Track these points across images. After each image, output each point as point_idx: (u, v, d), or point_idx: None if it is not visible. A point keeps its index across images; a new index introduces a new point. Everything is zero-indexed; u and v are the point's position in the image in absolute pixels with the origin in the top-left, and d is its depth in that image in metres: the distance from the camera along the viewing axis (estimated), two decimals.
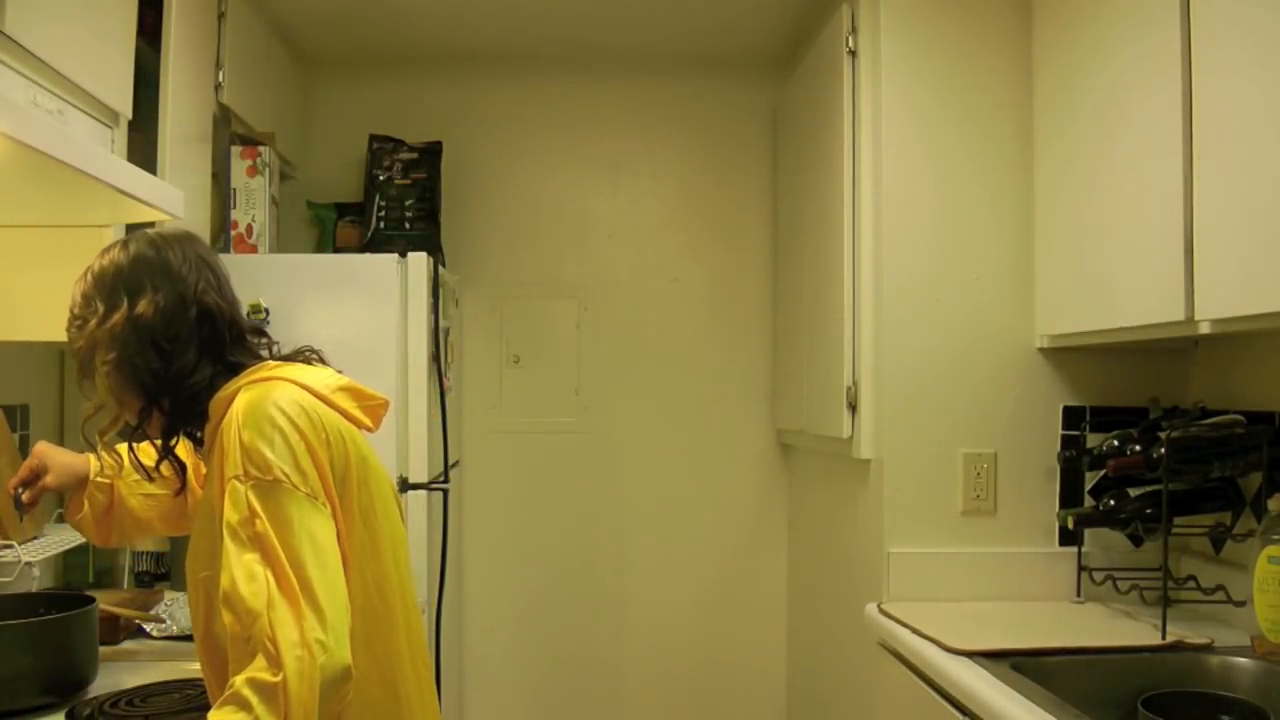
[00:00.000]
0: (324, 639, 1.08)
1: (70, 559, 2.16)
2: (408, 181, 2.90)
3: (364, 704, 1.22)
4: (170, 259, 1.29)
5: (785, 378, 3.07)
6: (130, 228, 1.91)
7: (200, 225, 2.27)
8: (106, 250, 1.32)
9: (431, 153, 2.96)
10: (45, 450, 1.50)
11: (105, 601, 1.76)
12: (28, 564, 1.71)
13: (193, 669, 1.65)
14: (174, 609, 1.99)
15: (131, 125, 1.91)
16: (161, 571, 2.26)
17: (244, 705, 1.04)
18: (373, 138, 2.96)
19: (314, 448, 1.20)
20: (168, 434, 1.31)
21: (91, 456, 1.51)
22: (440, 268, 2.58)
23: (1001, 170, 2.25)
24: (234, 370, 1.29)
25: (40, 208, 1.73)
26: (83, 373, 1.29)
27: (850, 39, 2.36)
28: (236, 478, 1.15)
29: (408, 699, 1.29)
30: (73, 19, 1.65)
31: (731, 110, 3.26)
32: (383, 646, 1.27)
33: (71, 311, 1.29)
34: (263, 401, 1.20)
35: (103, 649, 1.64)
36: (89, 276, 1.29)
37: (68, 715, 1.44)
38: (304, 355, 1.37)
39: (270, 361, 1.32)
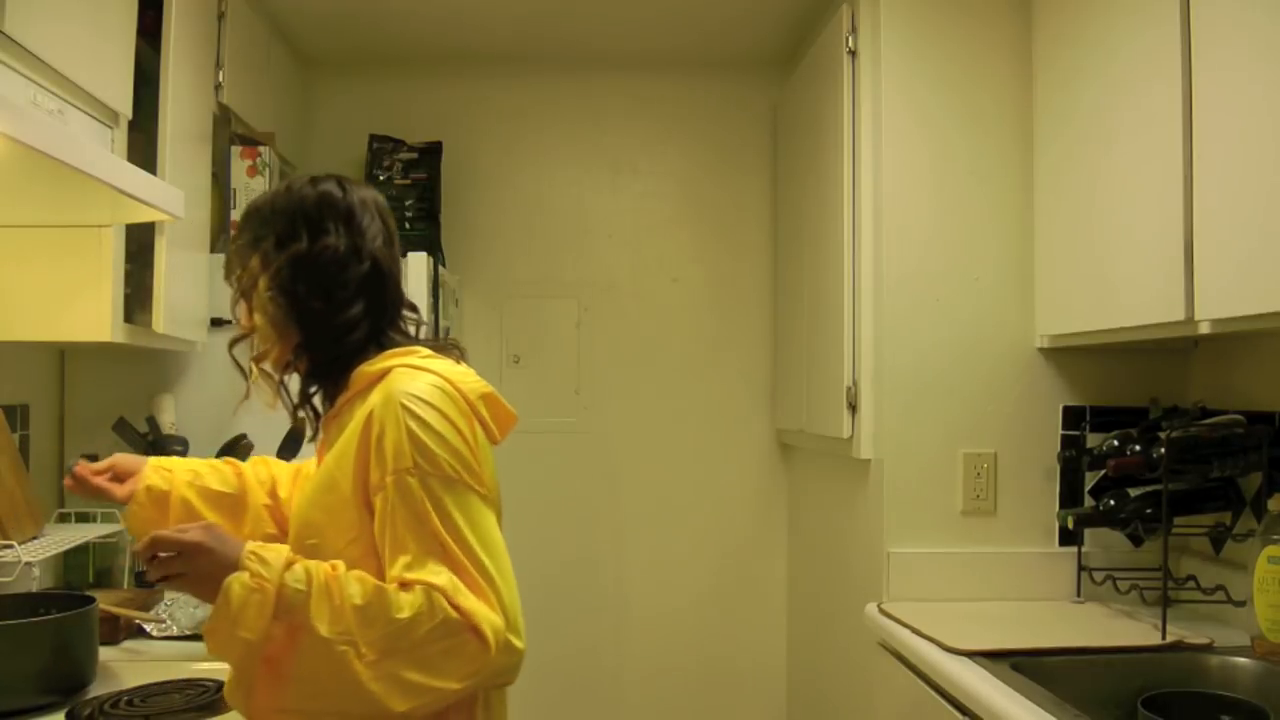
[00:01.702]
0: (510, 639, 1.13)
1: (70, 559, 2.16)
2: (408, 181, 2.90)
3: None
4: (354, 205, 1.29)
5: (785, 378, 3.07)
6: (130, 228, 1.92)
7: (200, 225, 2.27)
8: (291, 182, 1.31)
9: (431, 153, 2.96)
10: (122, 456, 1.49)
11: (105, 601, 1.76)
12: (28, 564, 1.71)
13: (193, 669, 1.65)
14: (174, 609, 1.98)
15: (131, 125, 1.91)
16: None
17: (430, 607, 1.10)
18: (373, 138, 2.96)
19: (475, 448, 1.20)
20: (310, 380, 1.30)
21: (161, 459, 1.49)
22: (440, 268, 2.58)
23: (1002, 170, 2.25)
24: (383, 344, 1.28)
25: (40, 208, 1.74)
26: (242, 297, 1.29)
27: (850, 39, 2.36)
28: (407, 471, 1.14)
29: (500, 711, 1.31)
30: (72, 19, 1.65)
31: (731, 110, 3.26)
32: None
33: (240, 234, 1.29)
34: (423, 391, 1.19)
35: (103, 649, 1.64)
36: (270, 204, 1.29)
37: (68, 715, 1.44)
38: (450, 348, 1.34)
39: (420, 348, 1.29)
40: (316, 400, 1.33)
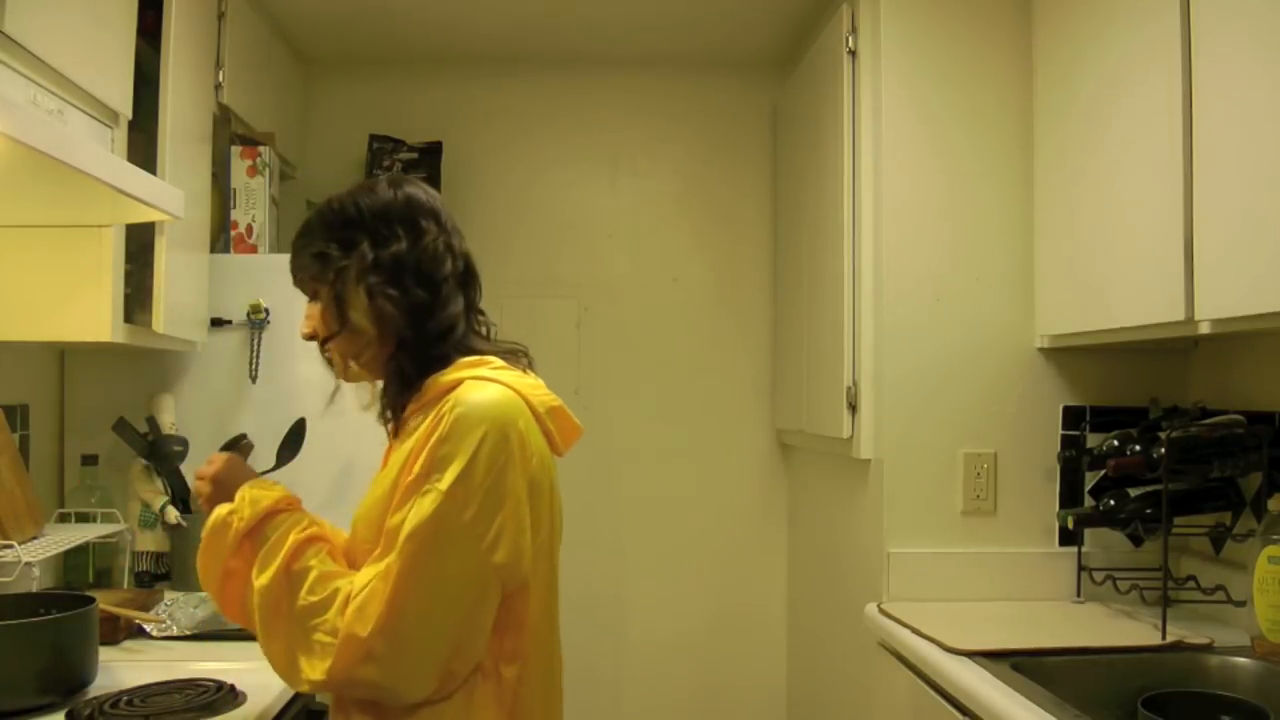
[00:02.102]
0: (381, 660, 1.16)
1: (70, 559, 2.16)
2: None
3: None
4: (438, 207, 1.33)
5: (785, 378, 3.07)
6: (130, 228, 1.92)
7: (200, 225, 2.27)
8: (365, 184, 1.33)
9: (431, 153, 2.96)
10: None
11: (105, 601, 1.76)
12: (28, 564, 1.71)
13: (193, 669, 1.65)
14: (174, 609, 1.98)
15: (131, 125, 1.91)
16: (161, 571, 2.26)
17: (328, 604, 1.18)
18: (373, 138, 2.97)
19: (510, 470, 1.19)
20: (404, 382, 1.29)
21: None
22: None
23: (1001, 170, 2.25)
24: (461, 348, 1.30)
25: (40, 207, 1.73)
26: (335, 298, 1.28)
27: (850, 39, 2.36)
28: (417, 476, 1.18)
29: None
30: (72, 19, 1.65)
31: (731, 110, 3.26)
32: (546, 682, 1.30)
33: (319, 237, 1.29)
34: (476, 406, 1.20)
35: (103, 649, 1.64)
36: (352, 205, 1.30)
37: (68, 715, 1.44)
38: (519, 355, 1.36)
39: (494, 359, 1.30)
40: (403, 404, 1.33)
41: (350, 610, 1.16)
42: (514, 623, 1.24)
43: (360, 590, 1.17)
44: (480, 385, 1.23)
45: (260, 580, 1.22)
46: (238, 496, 1.29)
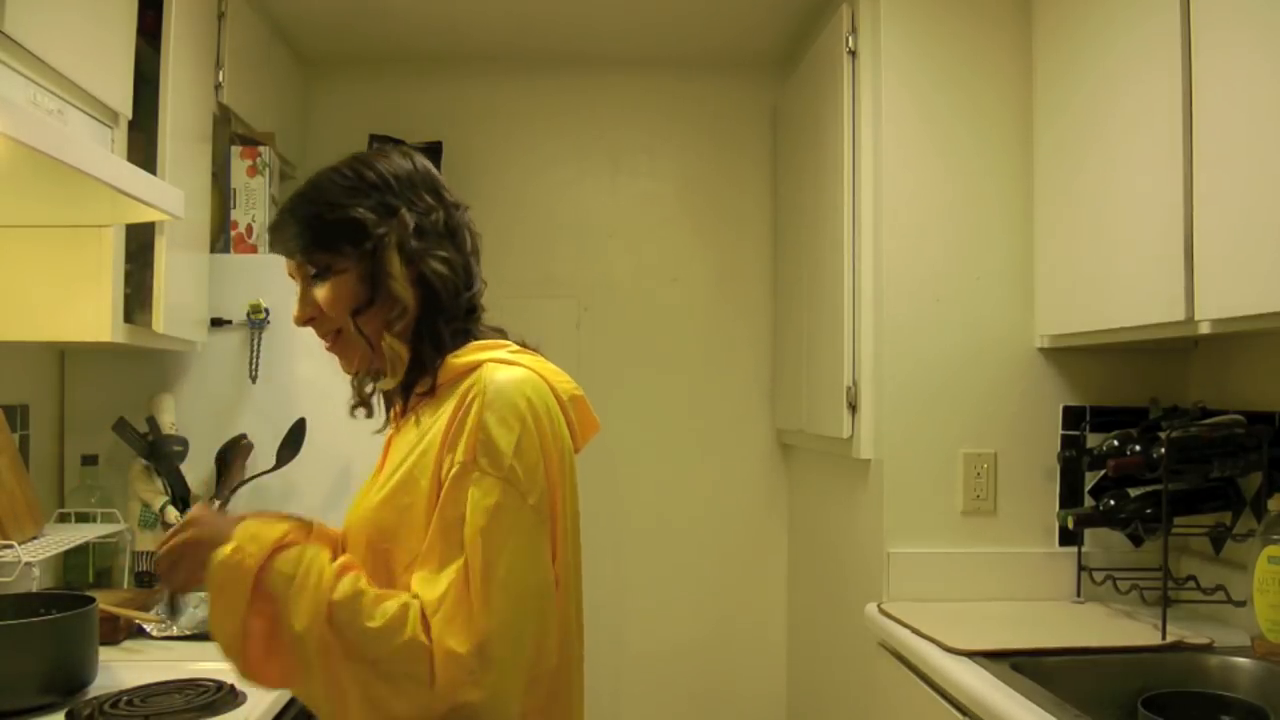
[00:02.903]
0: (466, 685, 1.02)
1: (70, 559, 2.16)
2: None
3: None
4: (442, 182, 1.29)
5: (785, 378, 3.07)
6: (130, 228, 1.92)
7: (200, 225, 2.27)
8: (377, 153, 1.27)
9: (431, 153, 2.96)
10: None
11: (105, 601, 1.76)
12: (28, 564, 1.71)
13: (193, 669, 1.65)
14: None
15: (131, 125, 1.91)
16: None
17: (402, 623, 1.03)
18: (373, 138, 2.96)
19: (549, 452, 1.13)
20: (420, 361, 1.20)
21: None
22: None
23: (1001, 170, 2.25)
24: (468, 332, 1.23)
25: (40, 208, 1.73)
26: (372, 276, 1.18)
27: (850, 39, 2.36)
28: (464, 463, 1.08)
29: None
30: (72, 19, 1.65)
31: (731, 110, 3.26)
32: (568, 685, 1.20)
33: (338, 203, 1.21)
34: (513, 386, 1.13)
35: (103, 649, 1.64)
36: (372, 170, 1.23)
37: (68, 715, 1.44)
38: (535, 349, 1.29)
39: (509, 341, 1.25)
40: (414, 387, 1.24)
41: (437, 624, 1.03)
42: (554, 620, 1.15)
43: (438, 599, 1.04)
44: (505, 367, 1.16)
45: (300, 623, 1.05)
46: (236, 534, 1.12)
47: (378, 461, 1.29)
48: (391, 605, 1.05)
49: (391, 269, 1.18)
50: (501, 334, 1.29)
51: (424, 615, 1.05)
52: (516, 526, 1.08)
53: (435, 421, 1.15)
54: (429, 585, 1.07)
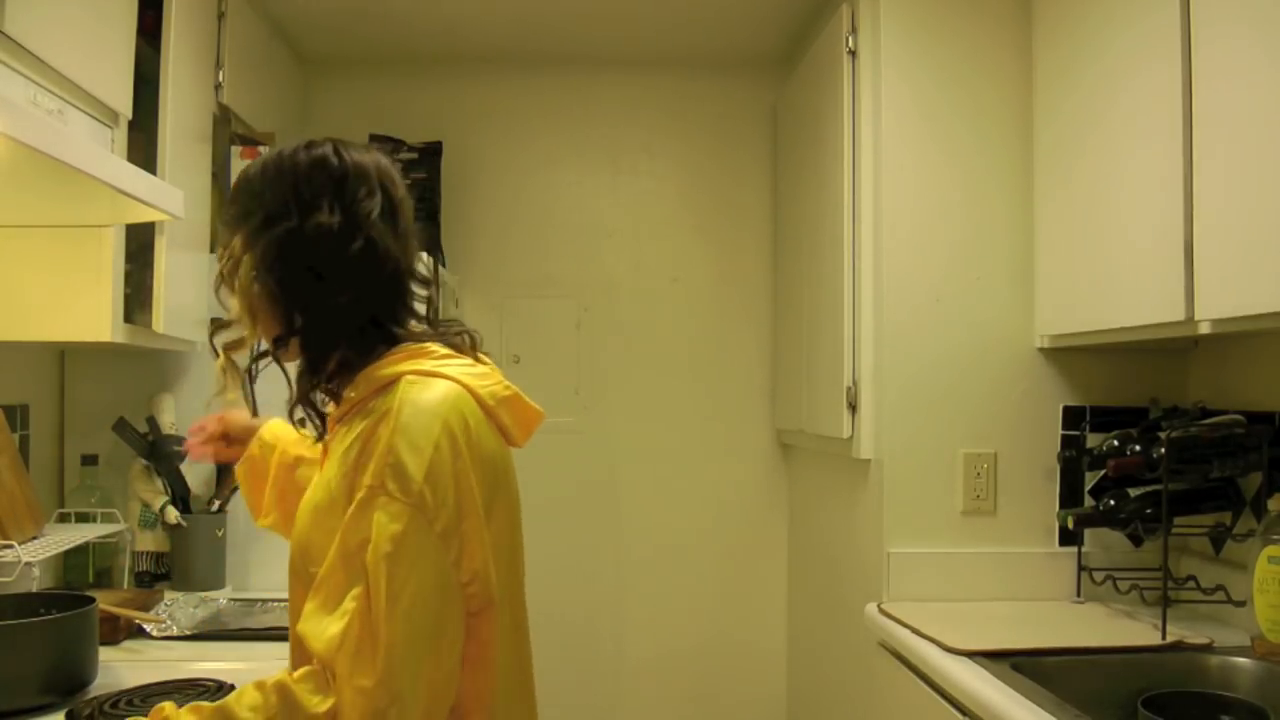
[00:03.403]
0: (384, 706, 0.98)
1: (70, 559, 2.16)
2: (408, 181, 2.88)
3: None
4: (349, 173, 1.16)
5: (785, 378, 3.07)
6: (130, 228, 1.92)
7: (200, 225, 2.27)
8: (284, 148, 1.19)
9: (431, 153, 2.96)
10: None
11: (105, 601, 1.76)
12: (28, 564, 1.71)
13: (193, 669, 1.65)
14: (174, 609, 1.99)
15: (131, 125, 1.91)
16: (161, 571, 2.26)
17: (264, 708, 0.99)
18: (372, 138, 2.96)
19: (465, 474, 1.07)
20: (306, 377, 1.17)
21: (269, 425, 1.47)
22: (440, 268, 2.58)
23: (1001, 170, 2.25)
24: (389, 337, 1.16)
25: (40, 208, 1.73)
26: (223, 277, 1.17)
27: (850, 39, 2.36)
28: (371, 487, 1.03)
29: None
30: (73, 19, 1.65)
31: (731, 110, 3.26)
32: (519, 707, 1.20)
33: (228, 208, 1.18)
34: (428, 407, 1.07)
35: (103, 649, 1.64)
36: (260, 173, 1.17)
37: (68, 715, 1.44)
38: (462, 336, 1.23)
39: (436, 347, 1.17)
40: (315, 399, 1.21)
41: (344, 662, 0.99)
42: (480, 656, 1.10)
43: (340, 635, 1.00)
44: (424, 383, 1.10)
45: None
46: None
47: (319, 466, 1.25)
48: (250, 694, 1.01)
49: (234, 282, 1.17)
50: (434, 333, 1.22)
51: (283, 694, 1.00)
52: (422, 555, 1.03)
53: (353, 437, 1.10)
54: (323, 622, 1.02)
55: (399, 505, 1.02)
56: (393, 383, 1.11)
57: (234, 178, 2.41)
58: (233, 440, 1.51)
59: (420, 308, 1.23)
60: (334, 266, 1.13)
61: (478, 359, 1.23)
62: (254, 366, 1.22)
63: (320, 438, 1.24)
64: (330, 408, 1.22)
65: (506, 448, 1.19)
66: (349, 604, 1.00)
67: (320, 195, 1.14)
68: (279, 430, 1.48)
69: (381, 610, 0.99)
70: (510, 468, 1.18)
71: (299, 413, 1.22)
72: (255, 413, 1.33)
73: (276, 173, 1.17)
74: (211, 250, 2.36)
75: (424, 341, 1.18)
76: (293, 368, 1.20)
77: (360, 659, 0.99)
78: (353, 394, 1.15)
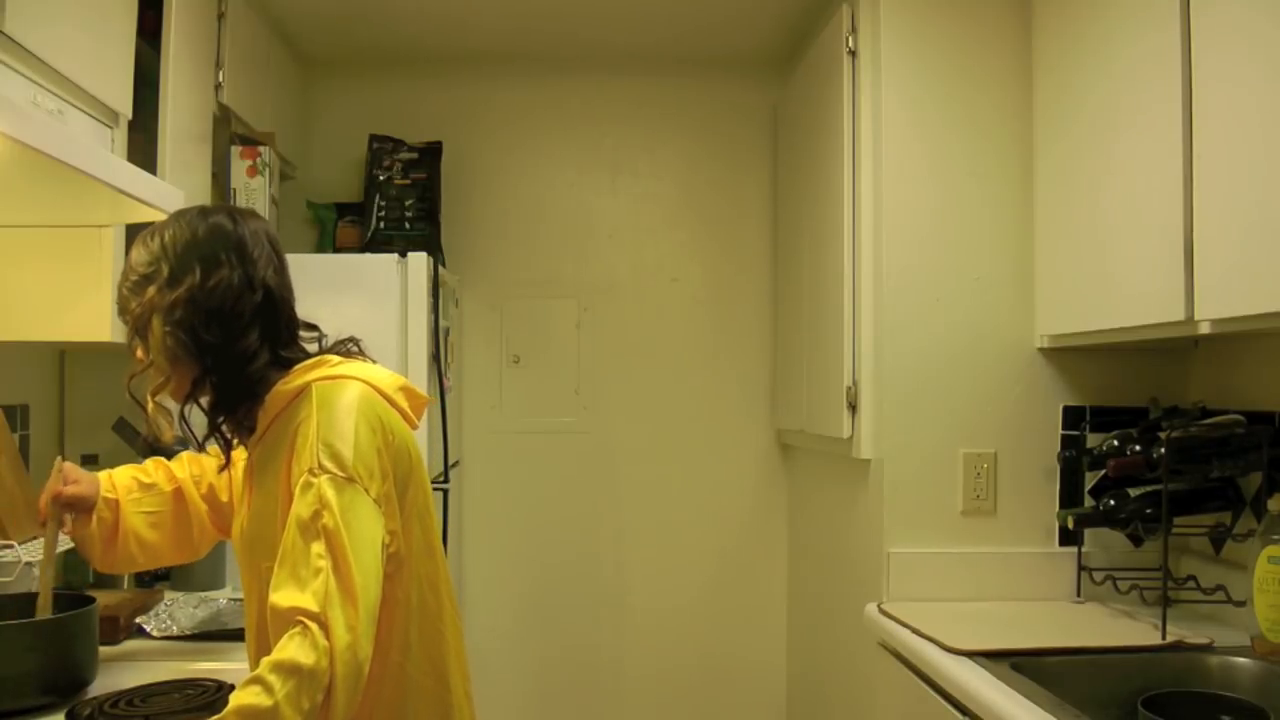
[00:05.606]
0: (364, 641, 1.13)
1: (70, 559, 2.15)
2: (407, 181, 2.90)
3: (419, 694, 1.32)
4: (245, 236, 1.31)
5: (785, 378, 3.07)
6: (130, 228, 1.91)
7: None
8: (181, 214, 1.32)
9: (431, 153, 2.96)
10: (70, 466, 1.52)
11: (105, 601, 1.76)
12: (28, 564, 1.71)
13: (192, 669, 1.65)
14: (174, 609, 1.99)
15: (131, 125, 1.91)
16: (161, 572, 2.26)
17: (267, 687, 1.07)
18: (373, 138, 2.96)
19: (382, 450, 1.26)
20: (216, 411, 1.32)
21: (102, 475, 1.53)
22: (440, 268, 2.58)
23: (1001, 170, 2.25)
24: (285, 364, 1.32)
25: (40, 208, 1.73)
26: (136, 333, 1.30)
27: (850, 39, 2.36)
28: (311, 471, 1.19)
29: (455, 689, 1.37)
30: (73, 19, 1.65)
31: (731, 110, 3.26)
32: (435, 641, 1.35)
33: (133, 270, 1.29)
34: (341, 401, 1.25)
35: (103, 649, 1.64)
36: (160, 238, 1.29)
37: (68, 715, 1.44)
38: (348, 347, 1.40)
39: (331, 356, 1.35)
40: (224, 429, 1.35)
41: (331, 603, 1.12)
42: (391, 596, 1.25)
43: (321, 586, 1.12)
44: (335, 384, 1.28)
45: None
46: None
47: (239, 487, 1.41)
48: (246, 693, 1.07)
49: (147, 336, 1.29)
50: (322, 348, 1.38)
51: (276, 667, 1.08)
52: (367, 516, 1.20)
53: (282, 443, 1.26)
54: (299, 582, 1.13)
55: (340, 479, 1.19)
56: (302, 391, 1.28)
57: (234, 177, 2.44)
58: (78, 509, 1.51)
59: (313, 348, 1.39)
60: (237, 316, 1.29)
61: (366, 359, 1.40)
62: (184, 410, 1.34)
63: (227, 462, 1.42)
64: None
65: (408, 429, 1.36)
66: (319, 561, 1.14)
67: (220, 255, 1.29)
68: (117, 481, 1.55)
69: (349, 561, 1.15)
70: (415, 444, 1.36)
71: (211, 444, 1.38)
72: (201, 448, 1.41)
73: (175, 237, 1.29)
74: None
75: (318, 355, 1.36)
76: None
77: (346, 600, 1.14)
78: (266, 414, 1.31)
